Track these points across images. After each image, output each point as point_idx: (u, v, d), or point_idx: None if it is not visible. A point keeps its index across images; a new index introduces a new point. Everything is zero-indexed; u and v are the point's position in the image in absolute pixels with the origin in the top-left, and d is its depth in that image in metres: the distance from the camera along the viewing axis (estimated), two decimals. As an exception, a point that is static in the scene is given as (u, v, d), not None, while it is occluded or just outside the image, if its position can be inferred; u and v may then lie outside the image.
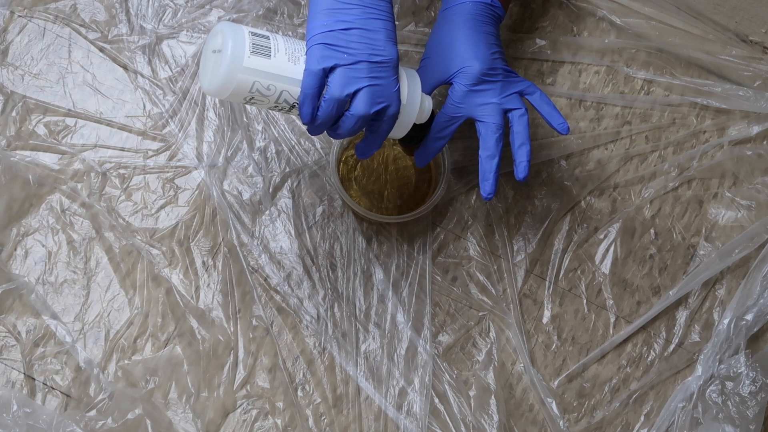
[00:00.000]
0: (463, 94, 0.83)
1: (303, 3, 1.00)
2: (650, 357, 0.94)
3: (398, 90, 0.76)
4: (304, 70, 0.73)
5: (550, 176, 0.98)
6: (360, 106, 0.74)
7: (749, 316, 0.93)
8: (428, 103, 0.82)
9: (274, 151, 0.96)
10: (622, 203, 0.98)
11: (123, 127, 0.95)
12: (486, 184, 0.83)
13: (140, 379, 0.88)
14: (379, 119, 0.76)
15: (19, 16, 0.98)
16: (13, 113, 0.94)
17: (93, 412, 0.86)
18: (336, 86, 0.73)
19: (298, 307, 0.92)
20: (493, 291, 0.94)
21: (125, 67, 0.97)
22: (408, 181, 0.96)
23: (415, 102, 0.79)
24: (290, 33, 0.99)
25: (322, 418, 0.89)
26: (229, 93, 0.72)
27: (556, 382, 0.93)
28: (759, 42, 1.02)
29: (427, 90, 0.85)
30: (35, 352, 0.88)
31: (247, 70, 0.72)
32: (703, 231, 0.98)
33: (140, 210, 0.93)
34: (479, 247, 0.95)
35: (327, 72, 0.73)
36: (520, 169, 0.83)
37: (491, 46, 0.84)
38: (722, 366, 0.91)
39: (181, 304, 0.91)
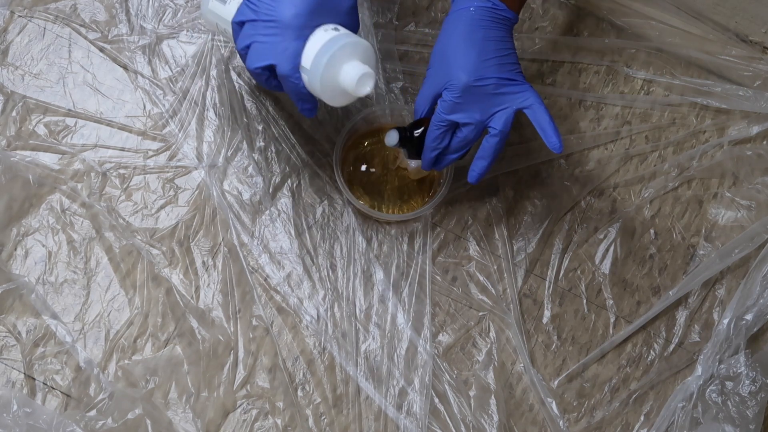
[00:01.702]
0: (449, 106, 0.83)
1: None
2: (650, 357, 0.94)
3: (291, 52, 0.78)
4: None
5: (550, 176, 0.98)
6: (247, 61, 0.80)
7: (749, 316, 0.93)
8: (357, 72, 0.79)
9: (274, 151, 0.96)
10: (622, 203, 0.98)
11: (123, 127, 0.95)
12: (438, 165, 0.88)
13: (140, 379, 0.88)
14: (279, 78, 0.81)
15: (19, 16, 0.98)
16: (13, 113, 0.94)
17: (93, 412, 0.86)
18: (238, 40, 0.81)
19: (298, 307, 0.92)
20: (493, 291, 0.94)
21: (125, 67, 0.97)
22: (408, 181, 0.96)
23: (318, 67, 0.78)
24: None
25: (322, 418, 0.89)
26: (209, 25, 0.88)
27: (556, 382, 0.93)
28: (759, 42, 1.02)
29: (429, 100, 0.85)
30: (35, 352, 0.88)
31: (210, 13, 0.86)
32: (703, 231, 0.98)
33: (140, 210, 0.93)
34: (479, 247, 0.95)
35: (240, 26, 0.80)
36: (470, 176, 0.86)
37: (485, 53, 0.82)
38: (722, 366, 0.91)
39: (181, 304, 0.91)
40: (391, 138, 0.86)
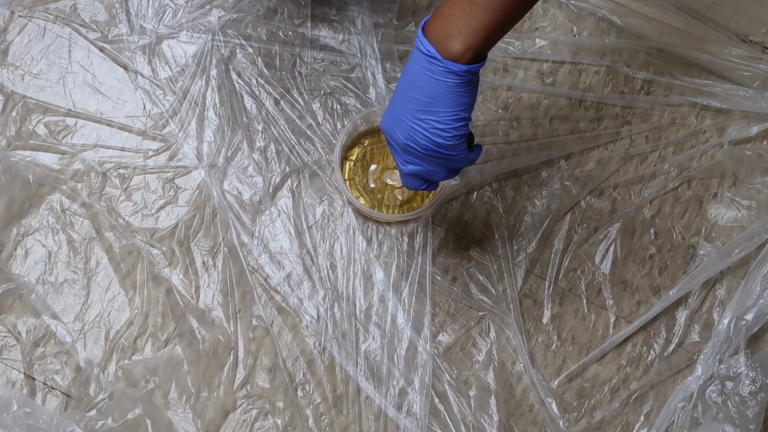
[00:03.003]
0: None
1: (303, 3, 1.00)
2: (650, 357, 0.94)
3: None
4: None
5: (550, 176, 0.98)
6: None
7: (749, 316, 0.93)
8: None
9: (274, 151, 0.96)
10: (622, 203, 0.98)
11: (123, 127, 0.95)
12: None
13: (140, 379, 0.88)
14: None
15: (19, 16, 0.98)
16: (13, 113, 0.94)
17: (93, 412, 0.86)
18: None
19: (298, 307, 0.92)
20: (493, 291, 0.94)
21: (125, 67, 0.97)
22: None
23: None
24: (290, 33, 0.99)
25: (322, 418, 0.89)
26: None
27: (556, 382, 0.93)
28: (759, 42, 1.02)
29: None
30: (35, 352, 0.88)
31: None
32: (703, 231, 0.98)
33: (140, 210, 0.93)
34: (479, 247, 0.95)
35: None
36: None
37: (408, 111, 0.71)
38: (722, 366, 0.91)
39: (181, 304, 0.91)
40: None
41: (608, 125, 1.00)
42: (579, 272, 0.96)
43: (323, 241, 0.94)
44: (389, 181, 0.95)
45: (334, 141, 0.96)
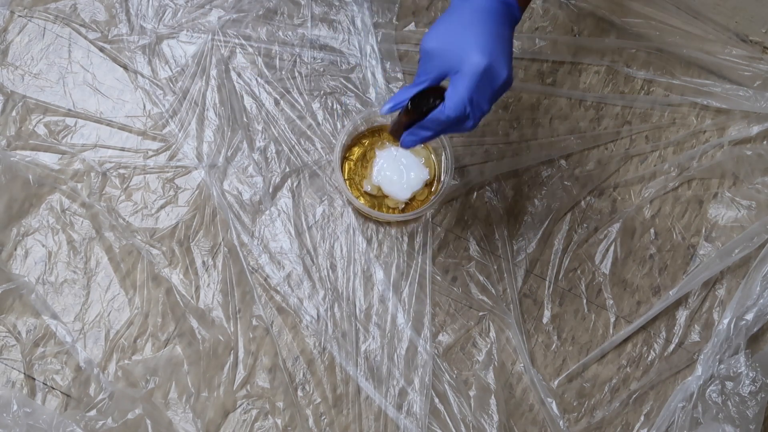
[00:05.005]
0: (462, 94, 0.74)
1: (303, 3, 1.00)
2: (650, 357, 0.94)
3: None
4: None
5: (550, 176, 0.98)
6: None
7: (749, 316, 0.93)
8: None
9: (274, 151, 0.96)
10: (622, 203, 0.98)
11: (123, 127, 0.95)
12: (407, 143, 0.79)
13: (140, 379, 0.88)
14: None
15: (19, 16, 0.98)
16: (13, 113, 0.94)
17: (93, 412, 0.86)
18: None
19: (298, 307, 0.92)
20: (493, 291, 0.94)
21: (125, 67, 0.97)
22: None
23: None
24: (290, 33, 0.99)
25: (322, 418, 0.89)
26: None
27: (556, 382, 0.93)
28: (759, 42, 1.02)
29: (431, 80, 0.76)
30: (35, 352, 0.88)
31: None
32: (703, 231, 0.98)
33: (140, 210, 0.93)
34: (479, 247, 0.95)
35: None
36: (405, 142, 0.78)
37: (500, 48, 0.73)
38: (722, 366, 0.91)
39: (181, 304, 0.91)
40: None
41: (608, 125, 1.00)
42: (579, 272, 0.96)
43: (323, 241, 0.94)
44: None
45: (334, 141, 0.96)
